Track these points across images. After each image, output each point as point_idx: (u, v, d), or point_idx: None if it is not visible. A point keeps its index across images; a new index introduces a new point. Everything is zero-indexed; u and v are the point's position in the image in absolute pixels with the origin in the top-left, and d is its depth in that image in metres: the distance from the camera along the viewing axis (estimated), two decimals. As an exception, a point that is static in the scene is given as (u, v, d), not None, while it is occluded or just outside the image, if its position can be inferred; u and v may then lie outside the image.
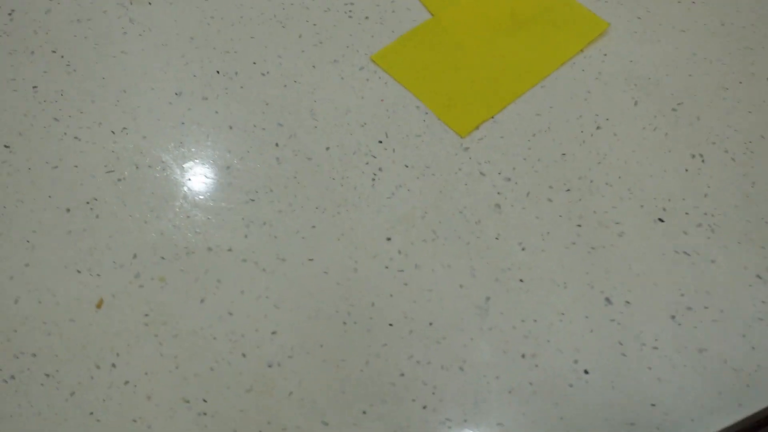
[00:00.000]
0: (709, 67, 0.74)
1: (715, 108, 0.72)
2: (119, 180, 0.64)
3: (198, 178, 0.65)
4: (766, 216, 0.66)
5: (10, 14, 0.72)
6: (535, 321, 0.60)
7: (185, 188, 0.64)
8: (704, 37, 0.76)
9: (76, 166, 0.64)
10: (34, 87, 0.68)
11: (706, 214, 0.66)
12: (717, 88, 0.73)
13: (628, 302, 0.61)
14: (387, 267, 0.61)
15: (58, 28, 0.71)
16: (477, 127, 0.69)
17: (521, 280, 0.62)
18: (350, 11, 0.74)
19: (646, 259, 0.63)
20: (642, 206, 0.66)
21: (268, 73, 0.70)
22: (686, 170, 0.68)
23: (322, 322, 0.59)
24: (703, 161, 0.69)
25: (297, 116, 0.68)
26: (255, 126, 0.68)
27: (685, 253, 0.64)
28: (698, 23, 0.77)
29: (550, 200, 0.66)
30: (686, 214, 0.66)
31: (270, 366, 0.57)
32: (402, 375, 0.57)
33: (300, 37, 0.72)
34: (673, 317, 0.61)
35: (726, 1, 0.79)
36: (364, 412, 0.56)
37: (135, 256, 0.61)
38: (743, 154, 0.69)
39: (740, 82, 0.74)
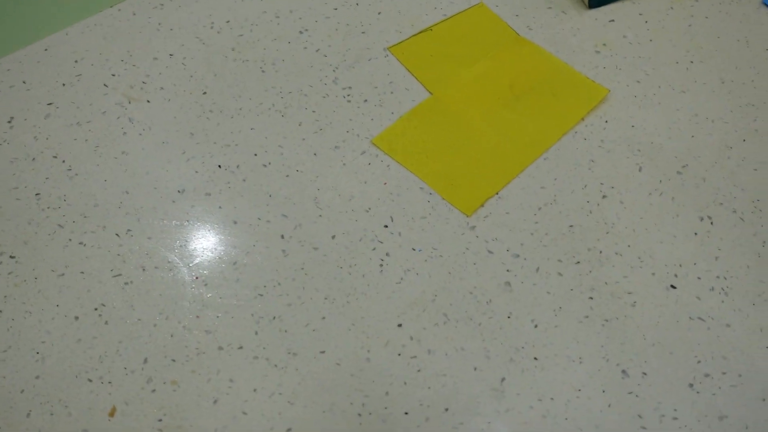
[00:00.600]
0: (711, 126, 0.74)
1: (720, 168, 0.71)
2: (126, 284, 0.64)
3: (205, 275, 0.64)
4: (780, 275, 0.65)
5: (9, 121, 0.72)
6: (552, 399, 0.59)
7: (193, 287, 0.64)
8: (705, 97, 0.76)
9: (83, 273, 0.64)
10: (37, 194, 0.68)
11: (718, 277, 0.65)
12: (721, 147, 0.73)
13: (645, 373, 0.60)
14: (399, 354, 0.61)
15: (57, 132, 0.72)
16: (482, 205, 0.69)
17: (536, 358, 0.61)
18: (348, 95, 0.74)
19: (660, 328, 0.62)
20: (653, 274, 0.65)
21: (269, 164, 0.70)
22: (695, 234, 0.67)
23: (337, 415, 0.58)
24: (711, 223, 0.68)
25: (301, 206, 0.68)
26: (259, 219, 0.67)
27: (699, 318, 0.63)
28: (698, 83, 0.77)
29: (560, 274, 0.65)
30: (698, 278, 0.65)
31: (287, 465, 0.56)
32: (421, 466, 0.57)
33: (300, 125, 0.73)
34: (691, 385, 0.60)
35: (724, 59, 0.79)
36: (386, 507, 0.55)
37: (146, 360, 0.60)
38: (752, 213, 0.69)
39: (744, 140, 0.73)
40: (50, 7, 0.78)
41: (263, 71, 0.75)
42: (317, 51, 0.77)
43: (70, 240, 0.66)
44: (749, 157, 0.72)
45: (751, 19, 0.81)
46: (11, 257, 0.65)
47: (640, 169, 0.71)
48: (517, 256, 0.66)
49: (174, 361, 0.60)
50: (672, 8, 0.82)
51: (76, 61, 0.75)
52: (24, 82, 0.74)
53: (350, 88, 0.75)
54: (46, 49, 0.76)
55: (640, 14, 0.81)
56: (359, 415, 0.58)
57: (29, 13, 0.77)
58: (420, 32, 0.79)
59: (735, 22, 0.81)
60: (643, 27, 0.80)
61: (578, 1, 0.81)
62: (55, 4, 0.78)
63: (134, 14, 0.78)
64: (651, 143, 0.73)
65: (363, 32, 0.78)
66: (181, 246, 0.66)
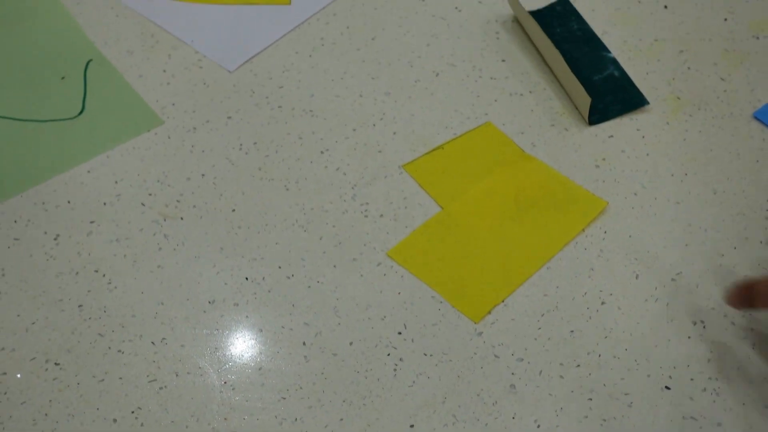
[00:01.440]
0: (704, 235, 0.79)
1: (713, 274, 0.77)
2: (161, 388, 0.69)
3: (233, 380, 0.70)
4: (767, 374, 0.70)
5: (55, 239, 0.79)
6: (555, 495, 0.64)
7: (222, 392, 0.69)
8: (698, 207, 0.82)
9: (121, 378, 0.70)
10: (80, 306, 0.74)
11: (710, 378, 0.70)
12: (713, 255, 0.78)
13: (642, 470, 0.65)
14: (412, 453, 0.66)
15: (99, 248, 0.78)
16: (489, 312, 0.74)
17: (539, 457, 0.66)
18: (366, 211, 0.81)
19: (655, 427, 0.67)
20: (649, 375, 0.70)
21: (293, 275, 0.76)
22: (689, 337, 0.72)
23: None
24: (704, 327, 0.73)
25: (322, 315, 0.74)
26: (283, 327, 0.73)
27: (692, 418, 0.68)
28: (692, 194, 0.83)
29: (561, 377, 0.70)
30: (691, 380, 0.70)
31: None
32: None
33: (321, 239, 0.79)
34: (686, 482, 0.64)
35: (717, 171, 0.84)
36: None
37: (178, 460, 0.66)
38: (741, 317, 0.74)
39: (734, 248, 0.78)
40: (93, 134, 0.85)
41: (287, 189, 0.82)
42: (337, 169, 0.83)
43: (109, 348, 0.72)
44: (740, 263, 0.77)
45: (741, 132, 0.87)
46: (56, 364, 0.71)
47: (636, 277, 0.76)
48: (521, 360, 0.71)
49: (204, 460, 0.65)
50: (668, 123, 0.88)
51: (116, 182, 0.82)
52: (69, 202, 0.80)
53: (367, 204, 0.81)
54: (89, 171, 0.83)
55: (638, 129, 0.87)
56: None
57: (74, 139, 0.84)
58: (432, 150, 0.85)
59: (727, 136, 0.87)
60: (640, 142, 0.86)
61: (580, 119, 0.88)
62: (97, 130, 0.85)
63: (169, 137, 0.85)
64: (647, 252, 0.78)
65: (379, 151, 0.85)
66: (211, 353, 0.72)
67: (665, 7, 0.98)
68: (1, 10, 0.94)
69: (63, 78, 0.89)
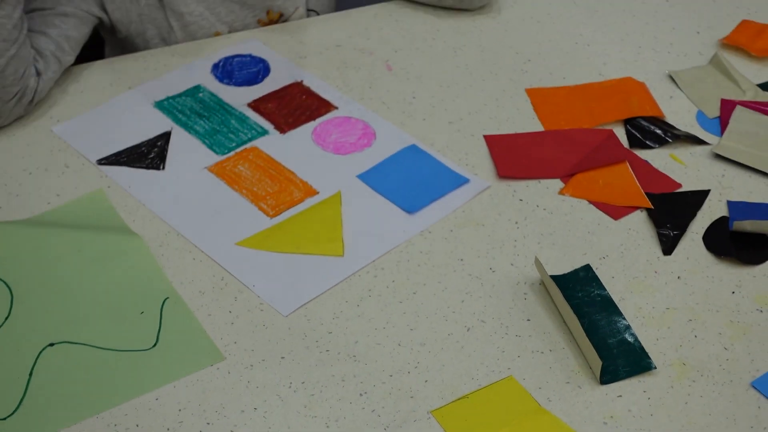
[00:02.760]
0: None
1: None
2: None
3: None
4: None
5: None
6: None
7: None
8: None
9: None
10: None
11: None
12: None
13: None
14: None
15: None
16: None
17: None
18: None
19: None
20: None
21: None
22: None
23: None
24: None
25: None
26: None
27: None
28: None
29: None
30: None
31: None
32: None
33: (353, 474, 0.89)
34: None
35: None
36: None
37: None
38: None
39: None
40: (163, 365, 0.97)
41: (328, 426, 0.93)
42: (372, 411, 0.94)
43: None
44: None
45: (739, 399, 0.97)
46: None
47: None
48: None
49: None
50: (672, 387, 0.98)
51: (179, 410, 0.93)
52: (137, 426, 0.92)
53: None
54: (156, 399, 0.95)
55: (644, 391, 0.97)
56: None
57: (146, 369, 0.97)
58: (458, 399, 0.96)
59: (725, 401, 0.97)
60: (645, 403, 0.96)
61: (593, 378, 0.98)
62: (167, 362, 0.98)
63: (229, 373, 0.97)
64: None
65: (411, 397, 0.96)
66: None
67: (678, 277, 1.10)
68: (95, 250, 1.08)
69: (142, 313, 1.03)
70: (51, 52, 1.27)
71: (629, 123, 1.32)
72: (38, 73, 1.25)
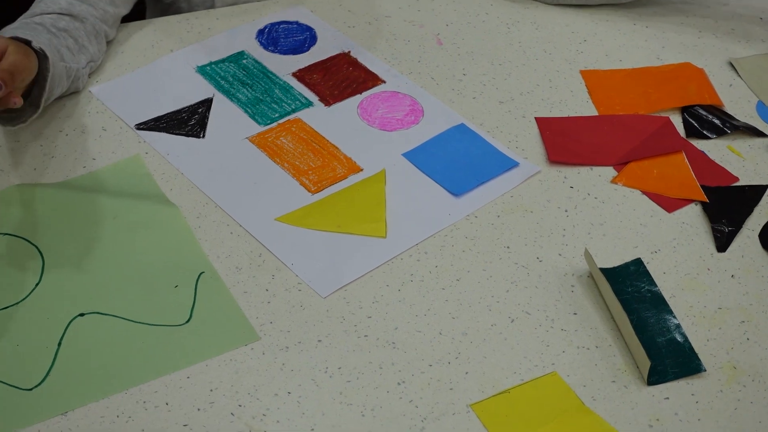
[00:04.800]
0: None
1: None
2: None
3: None
4: None
5: (151, 436, 0.87)
6: None
7: None
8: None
9: None
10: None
11: None
12: None
13: None
14: None
15: (188, 451, 0.87)
16: None
17: None
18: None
19: None
20: None
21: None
22: None
23: None
24: None
25: None
26: None
27: None
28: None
29: None
30: None
31: None
32: None
33: (388, 467, 0.86)
34: None
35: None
36: None
37: None
38: None
39: None
40: (196, 342, 0.94)
41: (363, 415, 0.90)
42: (410, 401, 0.91)
43: None
44: None
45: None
46: None
47: None
48: None
49: None
50: (722, 391, 0.94)
51: (211, 390, 0.91)
52: (167, 404, 0.89)
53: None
54: (188, 377, 0.92)
55: (693, 395, 0.94)
56: None
57: (178, 345, 0.94)
58: (499, 393, 0.92)
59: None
60: (693, 406, 0.92)
61: (640, 378, 0.94)
62: (200, 339, 0.95)
63: (263, 353, 0.94)
64: None
65: (451, 389, 0.92)
66: None
67: (732, 276, 1.06)
68: (130, 218, 1.05)
69: (176, 286, 1.00)
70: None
71: (686, 111, 1.27)
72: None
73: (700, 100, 1.28)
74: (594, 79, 1.30)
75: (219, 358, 0.94)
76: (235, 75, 1.25)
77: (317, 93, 1.24)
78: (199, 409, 0.89)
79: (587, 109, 1.26)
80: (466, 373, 0.94)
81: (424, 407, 0.91)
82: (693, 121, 1.25)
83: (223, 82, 1.24)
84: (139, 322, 0.96)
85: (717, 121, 1.25)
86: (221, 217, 1.07)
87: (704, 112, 1.26)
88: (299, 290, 1.00)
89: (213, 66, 1.26)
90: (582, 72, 1.32)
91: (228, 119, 1.19)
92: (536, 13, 1.41)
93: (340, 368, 0.93)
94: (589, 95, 1.28)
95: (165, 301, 0.98)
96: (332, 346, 0.95)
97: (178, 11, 1.38)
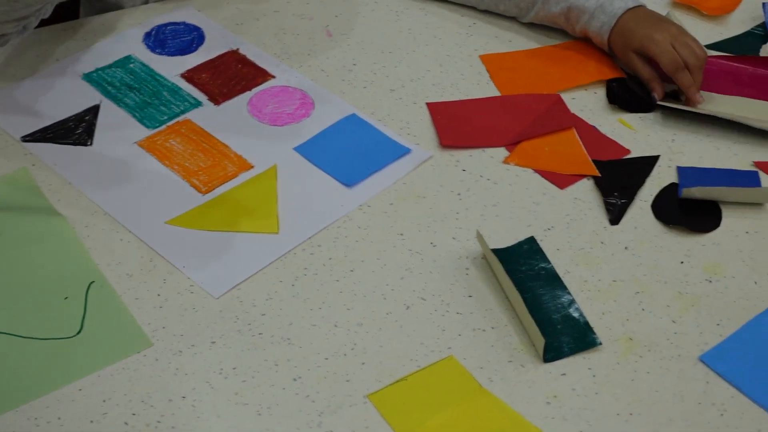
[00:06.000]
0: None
1: None
2: None
3: None
4: None
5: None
6: None
7: None
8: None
9: None
10: None
11: None
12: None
13: None
14: None
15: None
16: None
17: None
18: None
19: None
20: None
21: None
22: None
23: None
24: None
25: None
26: None
27: None
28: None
29: None
30: None
31: None
32: None
33: (285, 464, 0.85)
34: None
35: (660, 413, 0.91)
36: None
37: None
38: None
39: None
40: (88, 353, 0.93)
41: (259, 414, 0.89)
42: (307, 397, 0.90)
43: None
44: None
45: (687, 374, 0.94)
46: None
47: None
48: None
49: None
50: (618, 363, 0.95)
51: (103, 401, 0.89)
52: (59, 419, 0.88)
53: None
54: (80, 390, 0.90)
55: (589, 369, 0.94)
56: None
57: (69, 358, 0.93)
58: (396, 381, 0.92)
59: (673, 378, 0.94)
60: (590, 381, 0.93)
61: (536, 356, 0.95)
62: (92, 350, 0.93)
63: (156, 360, 0.93)
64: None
65: (347, 380, 0.92)
66: None
67: (625, 248, 1.07)
68: (16, 233, 1.03)
69: (66, 298, 0.98)
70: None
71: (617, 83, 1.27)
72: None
73: (602, 75, 1.28)
74: (494, 63, 1.30)
75: (112, 368, 0.92)
76: (122, 80, 1.23)
77: (206, 92, 1.23)
78: (92, 421, 0.88)
79: (480, 91, 1.26)
80: (363, 363, 0.94)
81: (321, 401, 0.90)
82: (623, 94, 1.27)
83: (110, 88, 1.22)
84: (29, 337, 0.94)
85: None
86: (110, 225, 1.06)
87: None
88: (191, 293, 0.99)
89: (99, 72, 1.24)
90: (481, 56, 1.31)
91: (116, 125, 1.18)
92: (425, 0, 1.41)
93: (234, 368, 0.93)
94: (491, 79, 1.28)
95: (55, 313, 0.97)
96: (226, 347, 0.94)
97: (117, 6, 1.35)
